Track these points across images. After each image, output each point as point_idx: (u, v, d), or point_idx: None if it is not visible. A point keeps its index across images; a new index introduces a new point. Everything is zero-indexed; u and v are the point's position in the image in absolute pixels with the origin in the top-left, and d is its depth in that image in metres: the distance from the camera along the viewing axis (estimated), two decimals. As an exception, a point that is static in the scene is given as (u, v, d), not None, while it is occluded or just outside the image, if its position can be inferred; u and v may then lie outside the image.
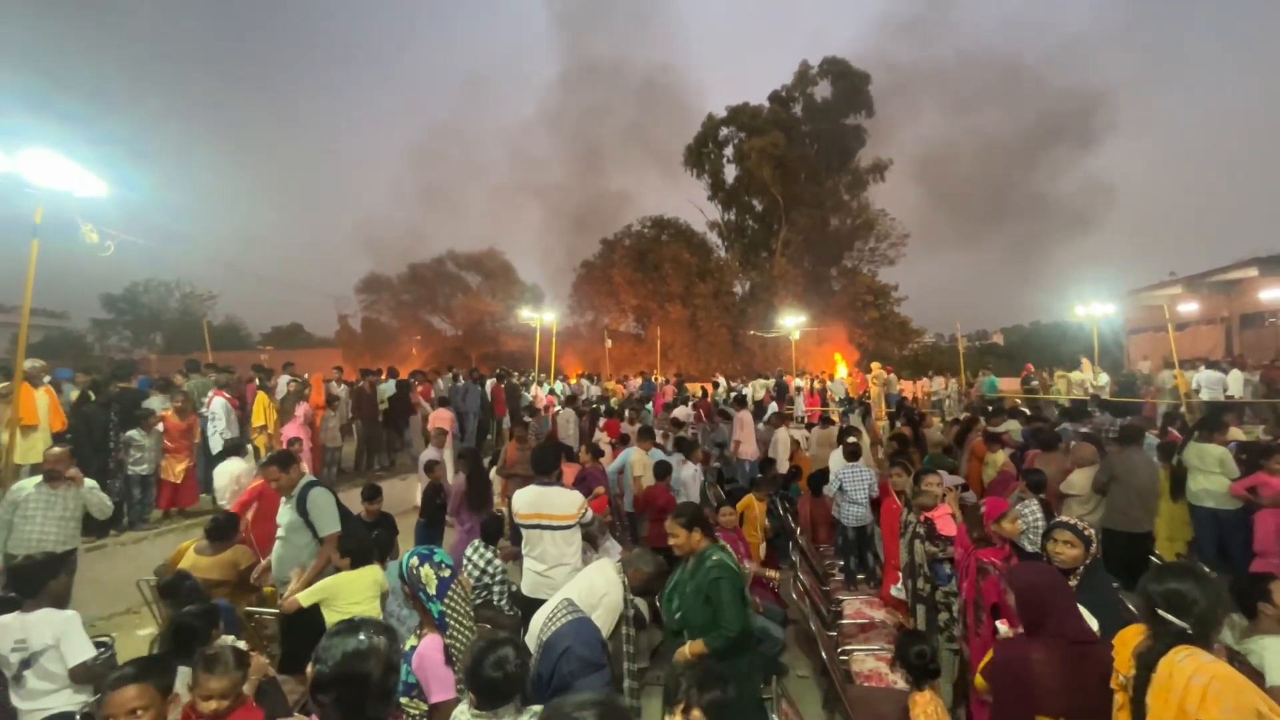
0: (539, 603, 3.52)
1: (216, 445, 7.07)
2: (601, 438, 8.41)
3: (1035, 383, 17.12)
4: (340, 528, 3.87)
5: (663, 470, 5.86)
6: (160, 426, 6.69)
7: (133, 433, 6.48)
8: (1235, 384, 12.54)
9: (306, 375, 9.93)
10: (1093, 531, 2.83)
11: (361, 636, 1.61)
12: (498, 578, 4.37)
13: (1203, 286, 22.47)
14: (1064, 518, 2.93)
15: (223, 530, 4.33)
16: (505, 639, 1.94)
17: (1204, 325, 23.33)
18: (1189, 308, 23.01)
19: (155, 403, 7.19)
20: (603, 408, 11.91)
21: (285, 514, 3.86)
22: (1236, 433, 6.40)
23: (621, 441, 8.11)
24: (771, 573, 4.83)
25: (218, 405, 7.14)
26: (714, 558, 2.91)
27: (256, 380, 8.47)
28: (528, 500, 3.80)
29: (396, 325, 31.50)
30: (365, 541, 3.70)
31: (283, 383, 9.41)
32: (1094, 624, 2.44)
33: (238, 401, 7.62)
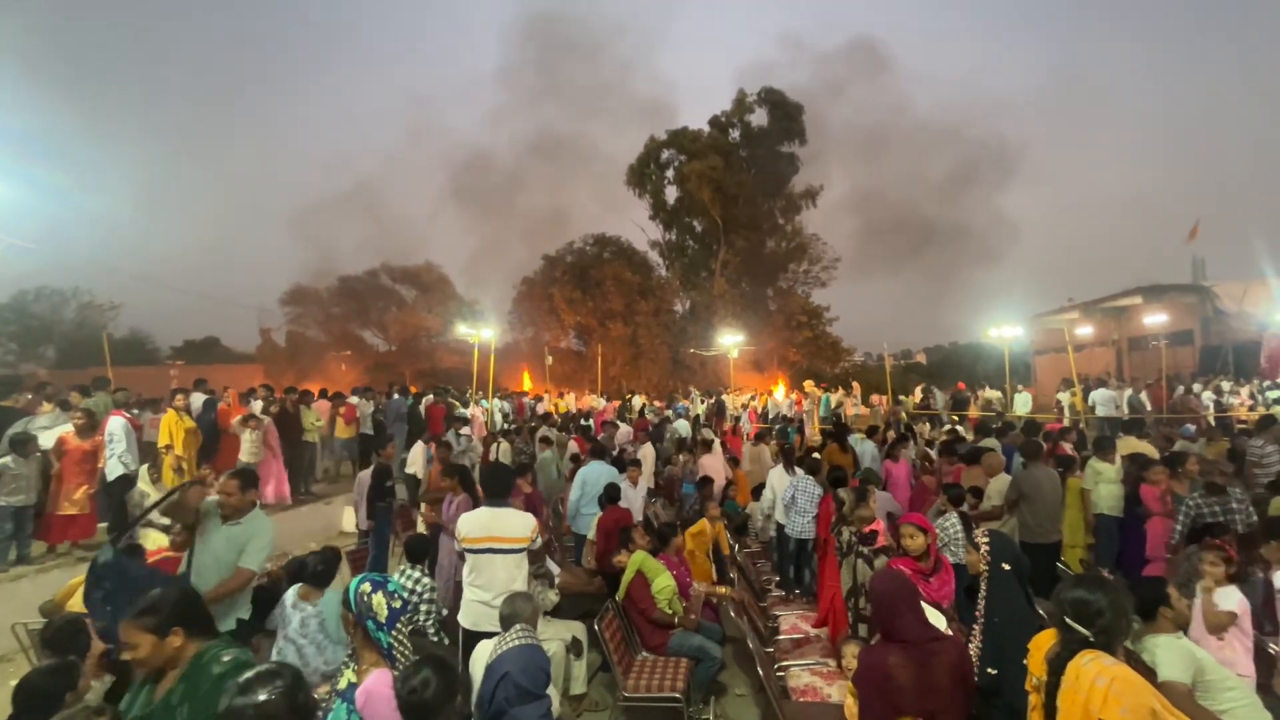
0: (480, 635, 3.35)
1: (115, 470, 6.43)
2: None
3: (973, 400, 18.11)
4: (260, 570, 3.50)
5: (613, 493, 5.83)
6: (38, 452, 5.99)
7: (5, 459, 5.70)
8: (1133, 401, 13.86)
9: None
10: (983, 540, 2.96)
11: (261, 698, 1.53)
12: (425, 596, 4.19)
13: (1096, 312, 24.62)
14: (975, 533, 3.11)
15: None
16: (429, 660, 1.95)
17: (1098, 347, 25.55)
18: (1085, 331, 25.15)
19: (42, 422, 6.49)
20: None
21: (218, 541, 3.35)
22: (1138, 444, 6.96)
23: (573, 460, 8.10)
24: (723, 589, 4.85)
25: (116, 425, 6.51)
26: (225, 659, 1.99)
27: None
28: (479, 523, 3.61)
29: (324, 340, 29.98)
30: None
31: (197, 399, 8.74)
32: (941, 622, 2.58)
33: (139, 422, 6.99)
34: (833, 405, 18.31)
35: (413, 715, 1.89)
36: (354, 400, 10.88)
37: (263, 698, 1.54)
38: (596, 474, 6.34)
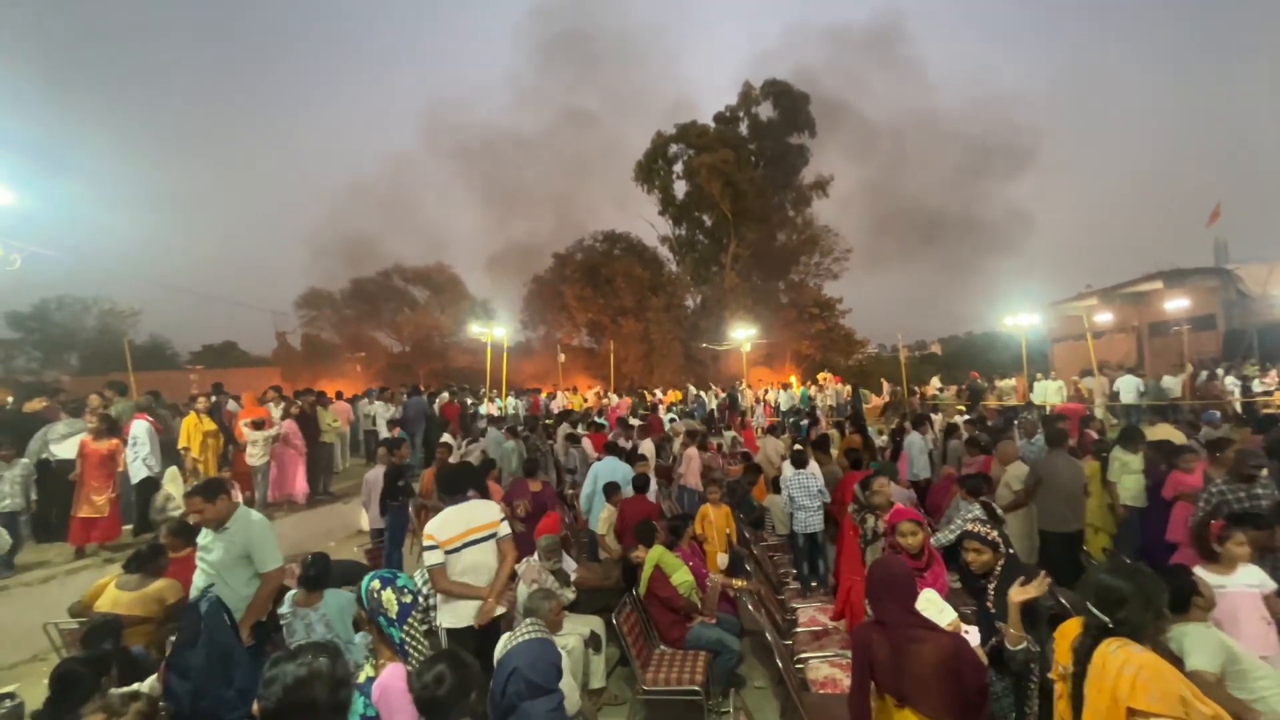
0: (465, 631, 3.42)
1: (138, 472, 6.55)
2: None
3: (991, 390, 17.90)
4: (281, 564, 3.60)
5: (642, 483, 5.97)
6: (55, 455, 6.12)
7: None
8: (1150, 387, 13.67)
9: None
10: (996, 535, 3.00)
11: (300, 661, 1.66)
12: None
13: (1115, 298, 24.16)
14: (970, 528, 3.08)
15: (146, 561, 4.01)
16: (444, 656, 1.98)
17: (1118, 334, 25.09)
18: (1104, 318, 24.70)
19: (61, 429, 6.61)
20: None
21: (215, 549, 3.47)
22: (1171, 430, 6.81)
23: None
24: (739, 582, 4.85)
25: (139, 429, 6.63)
26: None
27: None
28: (451, 521, 3.57)
29: (339, 342, 30.34)
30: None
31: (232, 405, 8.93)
32: (944, 617, 2.58)
33: (161, 426, 7.11)
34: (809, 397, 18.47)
35: (427, 711, 1.91)
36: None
37: (310, 657, 1.67)
38: (609, 469, 6.40)
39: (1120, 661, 1.80)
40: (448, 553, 3.52)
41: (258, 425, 8.08)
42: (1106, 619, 1.90)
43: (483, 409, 13.44)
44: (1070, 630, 2.07)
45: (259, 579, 3.54)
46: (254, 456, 8.00)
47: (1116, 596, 1.90)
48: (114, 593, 3.82)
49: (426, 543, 3.52)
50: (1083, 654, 1.92)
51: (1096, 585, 1.95)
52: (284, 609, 3.59)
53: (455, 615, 3.51)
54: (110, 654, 2.68)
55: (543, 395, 17.95)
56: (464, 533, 3.57)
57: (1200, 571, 3.21)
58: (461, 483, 3.90)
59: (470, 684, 1.97)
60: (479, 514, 3.68)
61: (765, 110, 31.54)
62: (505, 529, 3.73)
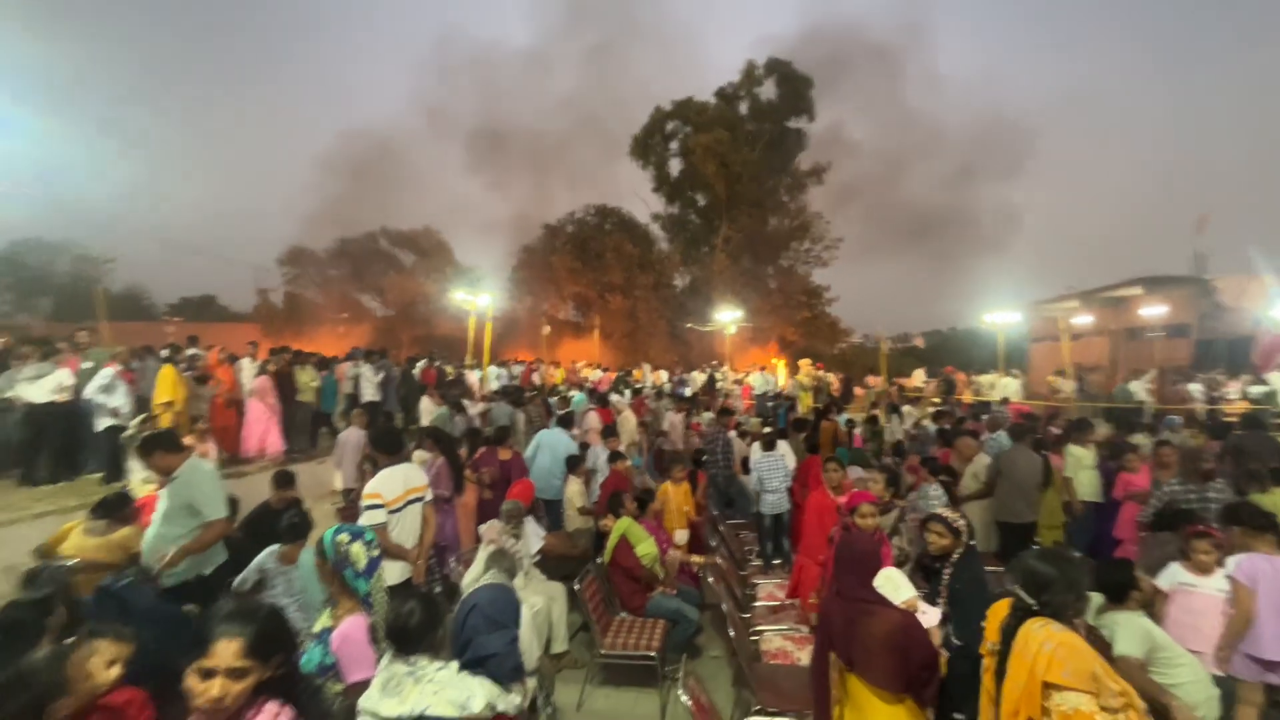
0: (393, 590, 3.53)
1: (103, 422, 6.54)
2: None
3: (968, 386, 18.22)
4: (226, 514, 3.59)
5: (614, 457, 6.09)
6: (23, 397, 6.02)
7: None
8: (1121, 392, 14.04)
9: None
10: (963, 523, 3.09)
11: (259, 607, 1.69)
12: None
13: (1095, 301, 24.52)
14: (938, 510, 3.19)
15: (113, 508, 4.01)
16: (416, 596, 2.13)
17: (1095, 337, 25.53)
18: (1083, 320, 25.08)
19: (29, 372, 6.49)
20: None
21: (163, 499, 3.51)
22: (1140, 438, 7.01)
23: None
24: (697, 558, 4.98)
25: (105, 378, 6.57)
26: None
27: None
28: (397, 479, 3.69)
29: (322, 302, 29.90)
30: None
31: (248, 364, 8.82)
32: (900, 595, 2.71)
33: (132, 375, 7.02)
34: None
35: (395, 639, 2.04)
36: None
37: (261, 609, 1.66)
38: (552, 440, 6.50)
39: (1041, 639, 1.91)
40: (391, 512, 3.59)
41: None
42: (1033, 602, 2.01)
43: (468, 380, 13.40)
44: (1000, 610, 2.19)
45: (199, 530, 3.48)
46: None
47: (1042, 580, 2.01)
48: (79, 538, 3.82)
49: (370, 501, 3.56)
50: (1008, 632, 2.04)
51: (1024, 569, 2.07)
52: (268, 564, 3.62)
53: (403, 570, 3.61)
54: (54, 596, 2.66)
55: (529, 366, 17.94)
56: (404, 493, 3.69)
57: (1178, 568, 3.38)
58: (400, 443, 4.03)
59: (438, 620, 2.11)
60: (417, 476, 3.84)
61: (767, 91, 31.20)
62: (430, 495, 3.86)
